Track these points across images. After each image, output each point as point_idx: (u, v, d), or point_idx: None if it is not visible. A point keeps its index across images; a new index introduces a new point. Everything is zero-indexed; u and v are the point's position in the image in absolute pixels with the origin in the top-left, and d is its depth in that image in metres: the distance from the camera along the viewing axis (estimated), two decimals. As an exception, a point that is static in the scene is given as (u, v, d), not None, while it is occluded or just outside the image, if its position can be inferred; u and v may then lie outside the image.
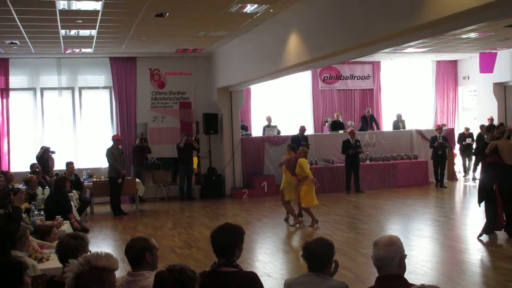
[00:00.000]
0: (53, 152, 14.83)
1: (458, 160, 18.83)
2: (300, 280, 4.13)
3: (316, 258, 4.04)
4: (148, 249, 4.05)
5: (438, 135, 16.68)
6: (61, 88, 16.34)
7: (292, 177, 11.64)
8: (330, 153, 16.96)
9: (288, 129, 17.83)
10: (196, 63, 17.09)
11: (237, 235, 3.96)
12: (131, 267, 4.06)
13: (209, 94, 17.11)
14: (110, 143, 14.16)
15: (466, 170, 18.56)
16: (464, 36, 14.47)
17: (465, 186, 17.37)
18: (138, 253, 4.01)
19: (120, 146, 14.28)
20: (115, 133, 15.81)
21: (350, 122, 19.33)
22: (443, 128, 17.89)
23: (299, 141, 15.55)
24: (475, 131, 18.50)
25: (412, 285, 3.36)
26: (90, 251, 3.58)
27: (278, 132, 17.61)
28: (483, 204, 9.90)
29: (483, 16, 6.88)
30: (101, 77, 16.71)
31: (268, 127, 17.61)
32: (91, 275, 2.93)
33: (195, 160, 17.02)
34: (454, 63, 20.62)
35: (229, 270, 3.85)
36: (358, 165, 16.20)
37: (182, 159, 16.00)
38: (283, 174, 11.88)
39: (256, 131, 18.46)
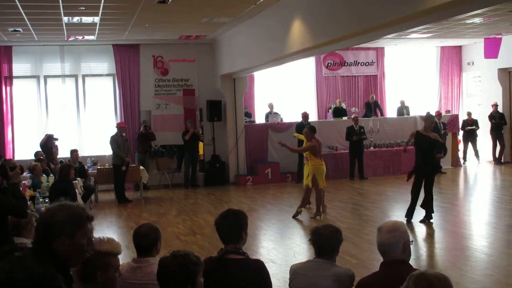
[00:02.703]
0: (56, 139, 14.84)
1: (461, 147, 18.84)
2: (306, 266, 4.15)
3: (324, 243, 4.07)
4: (160, 238, 4.11)
5: (437, 121, 16.65)
6: (64, 76, 16.33)
7: (319, 162, 10.98)
8: (334, 139, 16.95)
9: (292, 116, 17.79)
10: (199, 50, 17.03)
11: (242, 218, 3.95)
12: (138, 254, 4.07)
13: (213, 81, 17.08)
14: (114, 131, 14.18)
15: (465, 157, 18.61)
16: (468, 22, 14.38)
17: (468, 173, 17.36)
18: (152, 242, 4.05)
19: (124, 134, 14.29)
20: (118, 121, 15.84)
21: (354, 108, 19.30)
22: (445, 114, 17.97)
23: (304, 128, 15.53)
24: (480, 117, 18.49)
25: (416, 270, 3.36)
26: (94, 238, 3.60)
27: (281, 119, 17.58)
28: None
29: (488, 1, 6.83)
30: (104, 65, 16.69)
31: (270, 114, 17.60)
32: (96, 260, 2.96)
33: (201, 145, 17.01)
34: (458, 48, 20.51)
35: (236, 257, 3.85)
36: (362, 151, 16.19)
37: (188, 147, 16.01)
38: (309, 160, 10.96)
39: (260, 118, 18.44)
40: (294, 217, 10.93)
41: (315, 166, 10.88)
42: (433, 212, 10.12)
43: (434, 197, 10.27)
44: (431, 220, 10.06)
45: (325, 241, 4.07)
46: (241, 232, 3.91)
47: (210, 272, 3.58)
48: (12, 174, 7.85)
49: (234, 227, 3.89)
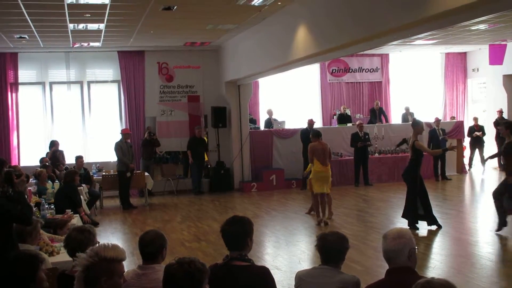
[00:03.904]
0: (61, 151, 14.79)
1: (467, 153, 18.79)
2: (311, 273, 4.14)
3: (330, 250, 4.07)
4: (165, 244, 4.10)
5: (436, 127, 16.66)
6: (69, 82, 16.39)
7: (322, 167, 10.93)
8: (339, 146, 16.91)
9: (297, 123, 17.79)
10: (204, 56, 17.07)
11: (247, 225, 3.94)
12: (144, 260, 4.06)
13: (218, 87, 17.10)
14: (119, 137, 14.20)
15: (471, 163, 18.56)
16: (473, 28, 14.37)
17: (474, 179, 17.30)
18: (158, 249, 4.04)
19: (128, 140, 14.31)
20: (123, 127, 15.86)
21: (358, 115, 19.28)
22: (449, 121, 18.00)
23: (309, 134, 15.54)
24: (485, 123, 18.43)
25: (422, 277, 3.35)
26: (99, 242, 3.61)
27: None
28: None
29: (493, 7, 6.82)
30: (109, 71, 16.74)
31: (270, 120, 17.59)
32: (100, 267, 2.96)
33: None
34: (463, 55, 20.50)
35: (241, 264, 3.84)
36: (367, 158, 16.16)
37: (194, 153, 16.02)
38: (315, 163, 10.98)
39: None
40: (319, 224, 10.86)
41: (314, 169, 10.95)
42: (426, 220, 10.16)
43: (437, 203, 10.28)
44: (432, 227, 10.06)
45: (331, 248, 4.07)
46: (246, 239, 3.90)
47: (216, 279, 3.57)
48: (18, 181, 7.86)
49: (239, 234, 3.88)
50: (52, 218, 7.93)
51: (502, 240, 9.18)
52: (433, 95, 20.61)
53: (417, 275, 3.42)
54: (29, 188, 9.71)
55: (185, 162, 16.85)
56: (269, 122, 17.64)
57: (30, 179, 11.83)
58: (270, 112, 17.78)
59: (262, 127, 18.03)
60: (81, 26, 12.52)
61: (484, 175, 17.63)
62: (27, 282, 3.37)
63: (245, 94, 16.89)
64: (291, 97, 19.18)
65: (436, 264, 7.83)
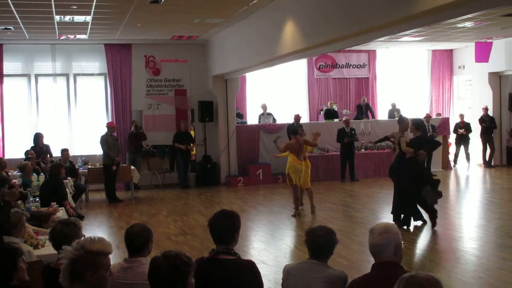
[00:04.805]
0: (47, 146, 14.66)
1: (452, 149, 18.92)
2: (299, 267, 4.16)
3: (319, 244, 4.08)
4: (151, 238, 4.10)
5: (426, 123, 16.74)
6: (55, 75, 16.25)
7: (297, 160, 11.15)
8: (325, 141, 16.94)
9: (284, 117, 17.80)
10: (191, 50, 17.01)
11: (236, 219, 3.95)
12: (130, 254, 4.05)
13: (205, 81, 17.05)
14: (104, 130, 14.12)
15: (456, 160, 18.70)
16: (460, 25, 14.45)
17: (459, 175, 17.43)
18: (144, 242, 4.03)
19: (114, 133, 14.24)
20: (110, 120, 15.78)
21: (345, 110, 19.34)
22: (435, 117, 18.11)
23: (295, 129, 15.55)
24: (470, 120, 18.55)
25: (407, 272, 3.37)
26: (84, 235, 3.61)
27: (274, 120, 17.58)
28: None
29: (479, 5, 6.87)
30: (96, 64, 16.62)
31: (263, 115, 17.59)
32: (86, 260, 2.94)
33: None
34: (449, 52, 20.60)
35: (227, 258, 3.84)
36: (353, 153, 16.22)
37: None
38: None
39: (251, 119, 18.43)
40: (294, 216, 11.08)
41: (290, 163, 11.16)
42: (411, 216, 10.19)
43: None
44: (417, 222, 10.13)
45: (320, 242, 4.09)
46: (234, 233, 3.91)
47: (202, 273, 3.58)
48: (7, 192, 7.81)
49: (228, 228, 3.89)
50: (37, 211, 7.88)
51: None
52: (420, 91, 20.70)
53: (403, 269, 3.44)
54: (14, 181, 9.66)
55: (171, 156, 16.81)
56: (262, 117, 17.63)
57: (15, 172, 11.77)
58: (264, 107, 17.72)
59: (253, 121, 17.97)
60: (67, 18, 12.41)
61: (469, 172, 17.78)
62: (8, 272, 3.52)
63: (232, 89, 16.87)
64: (278, 92, 19.17)
65: (421, 259, 7.88)
